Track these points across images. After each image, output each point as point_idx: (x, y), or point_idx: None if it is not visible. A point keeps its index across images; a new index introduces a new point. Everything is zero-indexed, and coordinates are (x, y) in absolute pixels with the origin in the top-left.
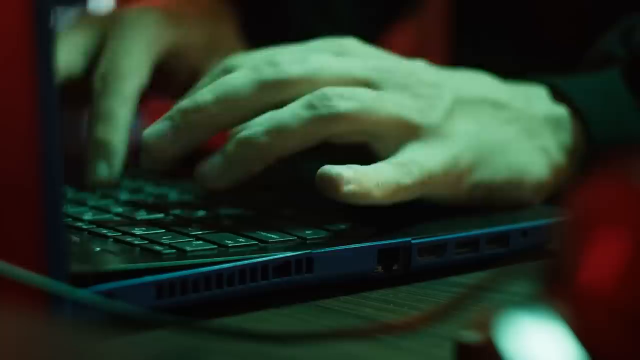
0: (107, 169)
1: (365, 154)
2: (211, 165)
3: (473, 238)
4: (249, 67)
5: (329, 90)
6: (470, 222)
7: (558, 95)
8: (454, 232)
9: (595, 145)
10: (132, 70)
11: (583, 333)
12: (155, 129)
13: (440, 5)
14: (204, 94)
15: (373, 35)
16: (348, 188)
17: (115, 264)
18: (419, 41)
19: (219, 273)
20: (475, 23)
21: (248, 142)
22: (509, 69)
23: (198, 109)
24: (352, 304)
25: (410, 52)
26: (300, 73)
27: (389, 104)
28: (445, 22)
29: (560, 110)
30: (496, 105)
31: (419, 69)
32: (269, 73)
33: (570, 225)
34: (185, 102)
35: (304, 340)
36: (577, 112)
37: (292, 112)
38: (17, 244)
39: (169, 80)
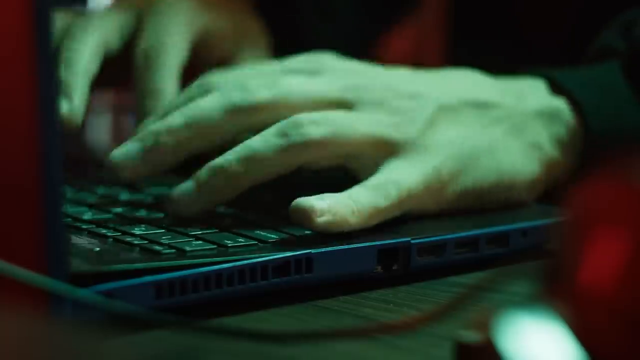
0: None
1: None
2: (182, 191)
3: (473, 238)
4: (219, 91)
5: (300, 117)
6: (470, 222)
7: (556, 87)
8: (453, 232)
9: (593, 138)
10: (174, 45)
11: (583, 333)
12: (124, 149)
13: (438, 8)
14: (175, 117)
15: (372, 35)
16: (322, 219)
17: (115, 264)
18: (417, 41)
19: (219, 273)
20: (472, 23)
21: (220, 170)
22: (506, 69)
23: (168, 132)
24: (351, 304)
25: (408, 52)
26: (269, 98)
27: (362, 124)
28: (443, 22)
29: (557, 103)
30: (481, 106)
31: (398, 81)
32: (237, 98)
33: (570, 225)
34: (156, 125)
35: (304, 340)
36: (575, 105)
37: (264, 140)
38: (17, 244)
39: (199, 66)
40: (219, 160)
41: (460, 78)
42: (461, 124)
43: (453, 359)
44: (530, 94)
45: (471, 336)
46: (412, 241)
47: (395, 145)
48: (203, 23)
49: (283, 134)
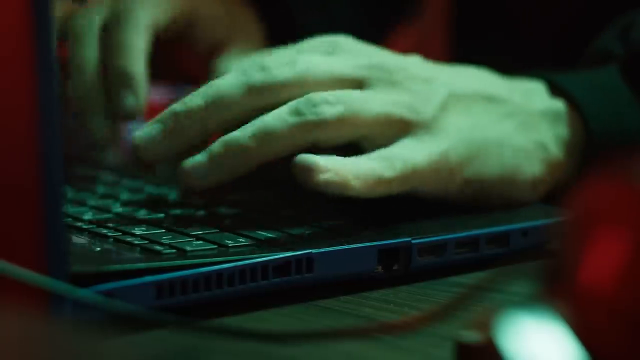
0: (133, 99)
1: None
2: (195, 164)
3: (473, 238)
4: (238, 71)
5: (315, 96)
6: (470, 222)
7: (556, 90)
8: (453, 232)
9: (594, 140)
10: (145, 4)
11: (583, 333)
12: (146, 131)
13: (439, 11)
14: (194, 97)
15: (373, 39)
16: (324, 176)
17: (115, 264)
18: (418, 48)
19: (219, 273)
20: (472, 26)
21: (233, 144)
22: (505, 72)
23: (188, 112)
24: (352, 304)
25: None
26: (288, 76)
27: (376, 103)
28: (445, 28)
29: (558, 105)
30: (492, 100)
31: (412, 65)
32: (257, 77)
33: (570, 225)
34: (176, 105)
35: (304, 340)
36: (575, 107)
37: (278, 117)
38: (17, 244)
39: (189, 51)
40: (232, 134)
41: (471, 72)
42: (471, 114)
43: (453, 359)
44: (534, 95)
45: (471, 336)
46: (413, 241)
47: (408, 124)
48: (192, 4)
49: (297, 113)
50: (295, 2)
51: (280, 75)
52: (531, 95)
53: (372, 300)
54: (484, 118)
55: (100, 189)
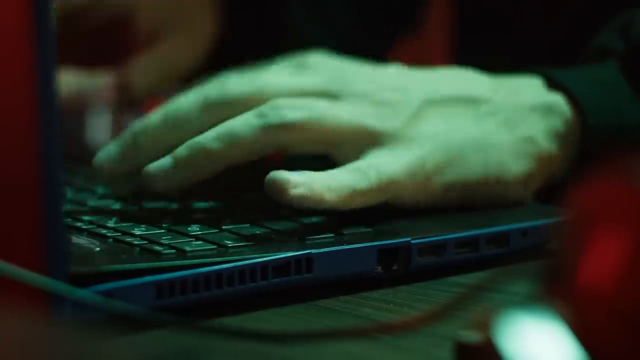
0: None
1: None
2: (159, 167)
3: (473, 238)
4: (197, 89)
5: (280, 100)
6: (470, 222)
7: (553, 85)
8: (453, 232)
9: (592, 134)
10: None
11: (583, 333)
12: (106, 150)
13: (441, 23)
14: (153, 116)
15: (375, 51)
16: (297, 191)
17: (115, 264)
18: (420, 54)
19: (219, 273)
20: (472, 26)
21: (198, 146)
22: (503, 70)
23: (145, 130)
24: (351, 304)
25: (408, 58)
26: (245, 91)
27: (343, 112)
28: (446, 33)
29: (553, 98)
30: (471, 101)
31: (384, 76)
32: (213, 92)
33: (570, 225)
34: (135, 124)
35: (304, 340)
36: (573, 101)
37: (243, 120)
38: (17, 244)
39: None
40: (198, 138)
41: (451, 75)
42: (449, 118)
43: (453, 359)
44: (524, 90)
45: (471, 336)
46: (413, 241)
47: (378, 135)
48: None
49: (261, 115)
50: (296, 13)
51: (236, 90)
52: (520, 91)
53: (372, 300)
54: (463, 120)
55: (100, 189)
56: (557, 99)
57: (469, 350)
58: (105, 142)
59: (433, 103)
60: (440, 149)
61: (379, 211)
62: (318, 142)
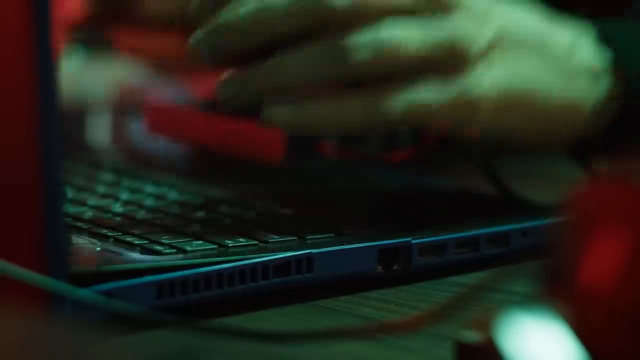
0: None
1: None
2: (195, 34)
3: (473, 238)
4: None
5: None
6: (470, 222)
7: (602, 40)
8: (454, 232)
9: (633, 93)
10: None
11: (583, 333)
12: (195, 35)
13: None
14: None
15: None
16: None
17: (115, 264)
18: None
19: (219, 273)
20: None
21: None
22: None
23: (234, 20)
24: (352, 304)
25: None
26: (345, 2)
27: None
28: None
29: (602, 58)
30: (537, 49)
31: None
32: None
33: (570, 225)
34: (225, 12)
35: (304, 340)
36: (619, 59)
37: None
38: (17, 244)
39: None
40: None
41: (523, 16)
42: (515, 61)
43: (453, 359)
44: (579, 46)
45: (471, 336)
46: (413, 241)
47: (454, 53)
48: None
49: None
50: None
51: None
52: (576, 47)
53: (372, 300)
54: (526, 67)
55: (100, 189)
56: (606, 58)
57: (469, 350)
58: (105, 142)
59: (506, 40)
60: (501, 89)
61: (379, 211)
62: (363, 22)
